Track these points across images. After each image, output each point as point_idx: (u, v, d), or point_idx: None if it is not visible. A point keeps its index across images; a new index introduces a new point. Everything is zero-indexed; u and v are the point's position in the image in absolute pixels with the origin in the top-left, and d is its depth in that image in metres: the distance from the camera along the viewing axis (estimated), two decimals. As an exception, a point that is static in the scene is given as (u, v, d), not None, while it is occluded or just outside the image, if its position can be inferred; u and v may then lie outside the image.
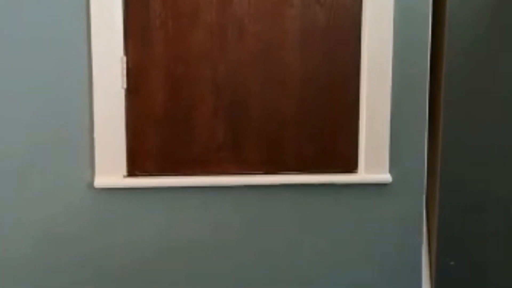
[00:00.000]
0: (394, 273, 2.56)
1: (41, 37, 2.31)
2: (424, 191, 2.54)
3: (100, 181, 2.40)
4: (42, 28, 2.31)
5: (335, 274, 2.55)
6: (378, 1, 2.41)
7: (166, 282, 2.50)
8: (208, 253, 2.50)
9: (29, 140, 2.36)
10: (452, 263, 2.53)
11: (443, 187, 2.49)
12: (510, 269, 2.56)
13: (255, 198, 2.48)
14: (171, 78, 2.40)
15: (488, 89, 2.47)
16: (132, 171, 2.43)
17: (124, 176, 2.43)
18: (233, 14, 2.39)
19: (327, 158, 2.50)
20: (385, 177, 2.49)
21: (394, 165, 2.49)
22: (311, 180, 2.48)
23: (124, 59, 2.37)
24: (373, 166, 2.49)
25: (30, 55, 2.32)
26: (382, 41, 2.43)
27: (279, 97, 2.45)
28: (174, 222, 2.46)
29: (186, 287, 2.51)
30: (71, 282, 2.45)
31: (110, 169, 2.40)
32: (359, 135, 2.48)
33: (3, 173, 2.37)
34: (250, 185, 2.46)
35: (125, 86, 2.38)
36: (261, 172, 2.48)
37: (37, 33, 2.31)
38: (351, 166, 2.50)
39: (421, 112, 2.49)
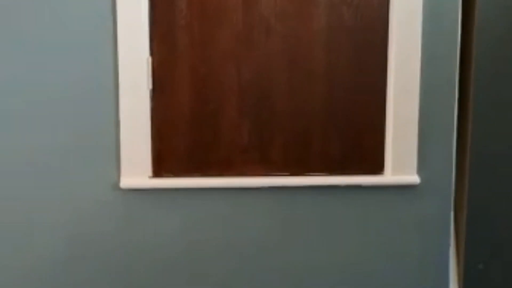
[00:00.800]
0: (421, 276, 2.53)
1: (68, 39, 2.32)
2: (453, 192, 2.50)
3: (126, 181, 2.40)
4: (69, 30, 2.32)
5: (362, 277, 2.53)
6: (407, 0, 2.37)
7: (191, 282, 2.49)
8: (233, 254, 2.49)
9: (56, 141, 2.37)
10: (481, 266, 2.49)
11: (472, 189, 2.45)
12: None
13: (281, 200, 2.47)
14: (196, 79, 2.40)
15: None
16: (157, 172, 2.43)
17: (150, 177, 2.43)
18: (259, 14, 2.38)
19: (353, 160, 2.48)
20: (413, 178, 2.46)
21: (422, 166, 2.46)
22: (337, 182, 2.46)
23: (150, 59, 2.37)
24: (400, 167, 2.46)
25: (57, 57, 2.33)
26: (410, 41, 2.40)
27: (305, 98, 2.43)
28: (199, 223, 2.46)
29: (211, 285, 2.50)
30: (96, 282, 2.46)
31: (136, 170, 2.41)
32: (386, 136, 2.45)
33: (29, 174, 2.38)
34: (276, 186, 2.45)
35: (150, 86, 2.38)
36: (286, 174, 2.46)
37: (64, 35, 2.32)
38: (378, 167, 2.48)
39: (450, 112, 2.45)
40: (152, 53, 2.37)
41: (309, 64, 2.42)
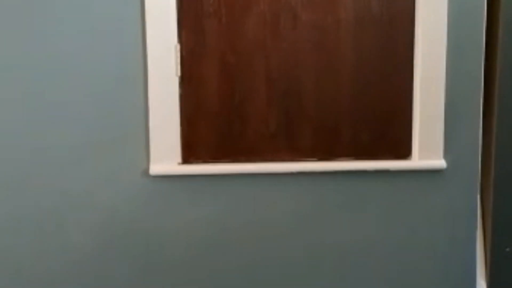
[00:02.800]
0: (448, 260, 2.54)
1: (97, 27, 2.34)
2: (479, 176, 2.52)
3: (155, 168, 2.42)
4: (97, 18, 2.34)
5: (388, 261, 2.55)
6: (432, -12, 2.39)
7: (220, 267, 2.51)
8: (261, 240, 2.51)
9: (85, 128, 2.39)
10: (508, 249, 2.51)
11: (498, 172, 2.47)
12: None
13: (308, 185, 2.48)
14: (224, 66, 2.42)
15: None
16: (186, 159, 2.45)
17: (179, 164, 2.45)
18: (287, 2, 2.39)
19: (380, 145, 2.49)
20: (440, 163, 2.47)
21: (449, 151, 2.47)
22: (365, 167, 2.48)
23: (178, 47, 2.38)
24: (427, 152, 2.47)
25: (87, 46, 2.35)
26: (436, 28, 2.41)
27: (332, 84, 2.45)
28: (228, 209, 2.48)
29: (240, 273, 2.53)
30: (126, 268, 2.49)
31: (165, 156, 2.43)
32: (413, 121, 2.47)
33: (58, 162, 2.41)
34: (303, 172, 2.46)
35: (179, 73, 2.40)
36: (314, 159, 2.48)
37: (93, 23, 2.34)
38: (405, 152, 2.49)
39: (476, 96, 2.46)
40: (180, 40, 2.39)
41: (336, 53, 2.43)
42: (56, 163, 2.40)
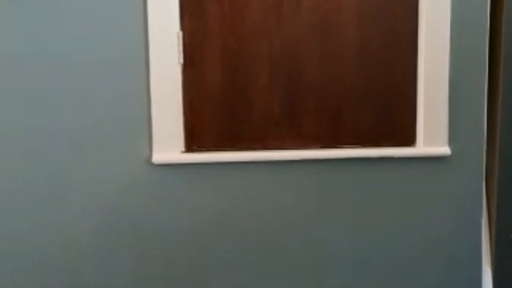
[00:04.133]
0: (454, 246, 2.53)
1: (99, 14, 2.33)
2: (484, 163, 2.50)
3: (158, 156, 2.40)
4: (99, 5, 2.32)
5: (393, 248, 2.54)
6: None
7: (224, 256, 2.51)
8: (266, 227, 2.50)
9: (88, 117, 2.37)
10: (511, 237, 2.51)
11: (503, 159, 2.45)
12: None
13: (312, 172, 2.47)
14: (227, 53, 2.40)
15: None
16: (189, 147, 2.43)
17: (182, 152, 2.43)
18: (289, -14, 2.38)
19: (385, 132, 2.48)
20: (444, 150, 2.46)
21: (453, 138, 2.46)
22: (369, 154, 2.46)
23: (180, 34, 2.37)
24: (431, 139, 2.46)
25: (89, 33, 2.33)
26: (440, 13, 2.39)
27: (336, 71, 2.43)
28: (232, 197, 2.46)
29: (244, 260, 2.52)
30: (128, 256, 2.48)
31: (168, 144, 2.41)
32: (417, 108, 2.45)
33: (61, 150, 2.39)
34: (308, 159, 2.45)
35: (181, 61, 2.38)
36: (318, 146, 2.46)
37: (95, 10, 2.32)
38: (409, 139, 2.48)
39: (480, 83, 2.45)
40: (182, 27, 2.37)
41: (339, 37, 2.42)
42: (59, 151, 2.38)
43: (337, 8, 2.40)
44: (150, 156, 2.40)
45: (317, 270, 2.54)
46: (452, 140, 2.46)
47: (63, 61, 2.34)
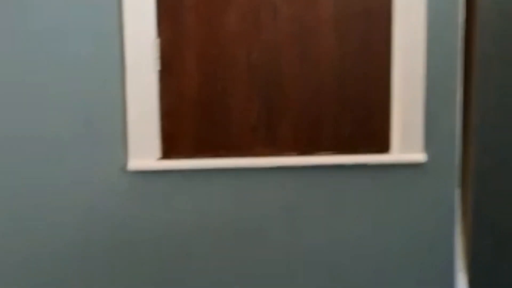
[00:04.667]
0: (427, 253, 2.55)
1: (74, 20, 2.31)
2: (458, 170, 2.53)
3: (134, 164, 2.39)
4: (75, 11, 2.31)
5: (369, 254, 2.55)
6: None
7: (201, 264, 2.49)
8: (242, 235, 2.49)
9: (63, 124, 2.36)
10: (487, 242, 2.52)
11: (478, 165, 2.49)
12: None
13: (289, 179, 2.48)
14: (204, 60, 2.40)
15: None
16: (166, 154, 2.43)
17: (158, 159, 2.42)
18: (266, -5, 2.39)
19: (361, 139, 2.49)
20: (419, 156, 2.48)
21: (428, 145, 2.47)
22: (345, 161, 2.47)
23: (157, 40, 2.36)
24: (407, 146, 2.47)
25: (64, 39, 2.32)
26: (414, 20, 2.41)
27: (312, 78, 2.44)
28: (209, 204, 2.46)
29: (220, 268, 2.51)
30: (104, 264, 2.45)
31: (144, 151, 2.40)
32: (392, 115, 2.47)
33: (36, 157, 2.37)
34: (285, 166, 2.45)
35: (158, 67, 2.37)
36: (295, 154, 2.47)
37: (70, 16, 2.31)
38: (385, 146, 2.49)
39: (454, 91, 2.47)
40: (159, 34, 2.36)
41: (317, 46, 2.43)
42: (34, 159, 2.37)
43: (315, 17, 2.41)
44: (126, 163, 2.39)
45: (292, 278, 2.54)
46: (427, 147, 2.48)
47: (38, 67, 2.32)
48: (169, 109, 2.40)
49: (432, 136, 2.48)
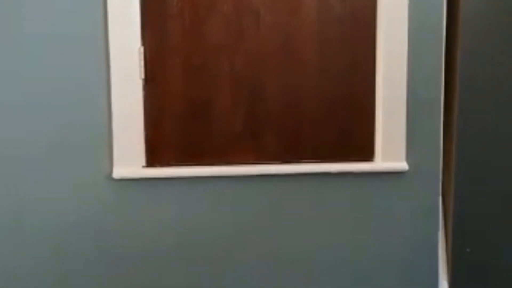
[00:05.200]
0: (411, 260, 2.57)
1: (59, 29, 2.32)
2: (440, 178, 2.56)
3: (119, 172, 2.40)
4: (59, 20, 2.32)
5: (352, 262, 2.57)
6: (393, -11, 2.42)
7: (186, 272, 2.50)
8: (227, 243, 2.50)
9: (48, 132, 2.37)
10: (468, 250, 2.55)
11: (459, 174, 2.51)
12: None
13: (273, 187, 2.49)
14: (188, 68, 2.41)
15: (504, 76, 2.48)
16: (150, 162, 2.44)
17: (143, 167, 2.43)
18: (249, 4, 2.41)
19: (344, 147, 2.51)
20: (402, 165, 2.50)
21: (411, 153, 2.50)
22: (329, 169, 2.49)
23: (142, 49, 2.37)
24: (389, 154, 2.50)
25: (48, 48, 2.33)
26: (397, 29, 2.44)
27: (296, 86, 2.46)
28: (193, 212, 2.47)
29: (206, 276, 2.52)
30: (90, 272, 2.46)
31: (129, 159, 2.41)
32: (375, 124, 2.50)
33: (22, 166, 2.37)
34: (269, 174, 2.47)
35: (143, 76, 2.38)
36: (279, 162, 2.49)
37: (55, 25, 2.32)
38: (368, 154, 2.52)
39: (436, 100, 2.50)
40: (143, 42, 2.38)
41: (300, 54, 2.45)
42: (19, 168, 2.37)
43: (298, 25, 2.43)
44: (111, 171, 2.40)
45: (274, 285, 2.55)
46: (409, 156, 2.51)
47: (23, 76, 2.33)
48: (153, 117, 2.41)
49: (414, 145, 2.51)
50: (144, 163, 2.43)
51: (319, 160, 2.50)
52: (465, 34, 2.45)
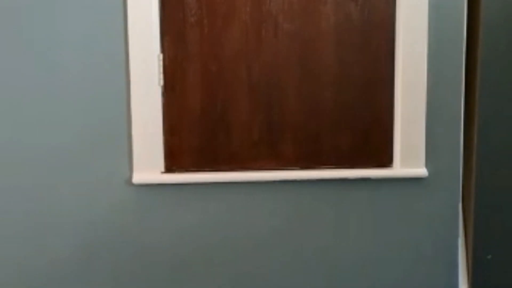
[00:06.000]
0: (431, 266, 2.56)
1: (80, 37, 2.36)
2: (460, 184, 2.53)
3: (138, 177, 2.43)
4: (80, 28, 2.35)
5: (371, 269, 2.56)
6: (412, -5, 2.41)
7: (203, 276, 2.52)
8: (245, 248, 2.52)
9: (68, 138, 2.40)
10: (489, 256, 2.52)
11: (479, 180, 2.49)
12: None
13: (291, 193, 2.50)
14: (207, 75, 2.43)
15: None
16: (169, 167, 2.46)
17: (162, 172, 2.46)
18: (268, 12, 2.42)
19: (363, 153, 2.51)
20: (421, 171, 2.49)
21: (430, 159, 2.49)
22: (347, 175, 2.49)
23: (161, 56, 2.40)
24: (409, 160, 2.49)
25: (69, 55, 2.36)
26: (416, 36, 2.43)
27: (314, 92, 2.47)
28: (212, 217, 2.49)
29: (225, 281, 2.53)
30: (109, 277, 2.49)
31: (148, 165, 2.44)
32: (394, 130, 2.49)
33: (43, 172, 2.41)
34: (286, 180, 2.48)
35: (162, 83, 2.41)
36: (297, 167, 2.49)
37: (76, 33, 2.36)
38: (387, 160, 2.51)
39: (456, 105, 2.49)
40: (163, 50, 2.41)
41: (317, 60, 2.46)
42: (39, 173, 2.41)
43: (316, 33, 2.44)
44: (131, 176, 2.43)
45: (296, 289, 2.56)
46: (429, 162, 2.49)
47: (45, 83, 2.37)
48: (172, 124, 2.44)
49: (434, 150, 2.49)
50: (163, 169, 2.46)
51: (337, 166, 2.50)
52: (485, 39, 2.43)
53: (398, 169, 2.49)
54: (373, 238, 2.54)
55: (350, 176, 2.49)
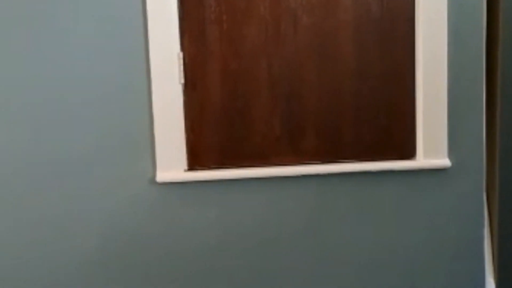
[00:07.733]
0: (456, 259, 2.55)
1: (100, 35, 2.37)
2: (484, 174, 2.52)
3: (162, 175, 2.44)
4: (100, 26, 2.37)
5: (395, 261, 2.55)
6: (432, -13, 2.40)
7: (228, 275, 2.53)
8: (268, 244, 2.52)
9: (91, 136, 2.42)
10: (515, 246, 2.52)
11: (503, 170, 2.47)
12: None
13: (314, 187, 2.50)
14: (227, 72, 2.44)
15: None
16: (192, 165, 2.47)
17: (185, 170, 2.47)
18: (287, 7, 2.42)
19: (385, 145, 2.50)
20: (444, 162, 2.48)
21: (453, 150, 2.48)
22: (370, 168, 2.49)
23: (181, 54, 2.41)
24: (431, 151, 2.48)
25: (90, 54, 2.38)
26: (436, 27, 2.42)
27: (334, 86, 2.47)
28: (235, 213, 2.50)
29: (248, 277, 2.54)
30: (133, 275, 2.51)
31: (171, 163, 2.45)
32: (416, 121, 2.48)
33: (66, 170, 2.43)
34: (309, 174, 2.48)
35: (182, 81, 2.42)
36: (319, 162, 2.49)
37: (96, 32, 2.37)
38: (409, 152, 2.50)
39: (478, 95, 2.47)
40: (183, 48, 2.41)
41: (337, 54, 2.45)
42: (63, 172, 2.43)
43: (335, 27, 2.44)
44: (154, 175, 2.44)
45: (318, 285, 2.56)
46: (451, 152, 2.48)
47: (66, 82, 2.38)
48: (193, 122, 2.45)
49: (457, 141, 2.48)
50: (186, 167, 2.47)
51: (359, 160, 2.50)
52: (505, 30, 2.41)
53: (421, 160, 2.49)
54: (397, 230, 2.53)
55: (372, 169, 2.49)
